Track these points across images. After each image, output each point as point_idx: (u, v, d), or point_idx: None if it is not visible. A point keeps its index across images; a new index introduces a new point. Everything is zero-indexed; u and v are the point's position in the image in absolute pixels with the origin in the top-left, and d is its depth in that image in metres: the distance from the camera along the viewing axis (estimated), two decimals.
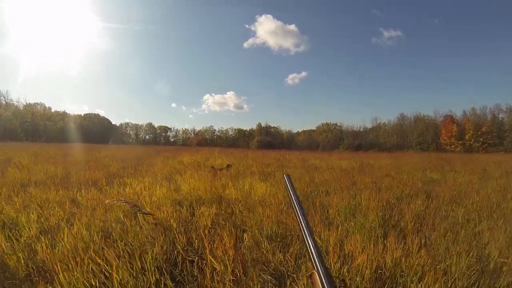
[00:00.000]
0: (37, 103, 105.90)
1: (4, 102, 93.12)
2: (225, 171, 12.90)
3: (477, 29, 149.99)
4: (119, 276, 3.19)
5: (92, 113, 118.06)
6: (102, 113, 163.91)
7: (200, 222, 5.12)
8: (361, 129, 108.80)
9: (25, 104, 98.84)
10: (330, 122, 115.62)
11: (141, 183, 9.03)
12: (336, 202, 6.68)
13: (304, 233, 1.14)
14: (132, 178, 10.44)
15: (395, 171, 14.59)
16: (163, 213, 5.43)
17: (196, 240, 4.30)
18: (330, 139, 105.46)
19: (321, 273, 0.98)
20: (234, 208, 6.26)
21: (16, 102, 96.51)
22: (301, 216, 1.21)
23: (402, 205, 6.67)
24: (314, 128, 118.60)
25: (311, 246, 1.07)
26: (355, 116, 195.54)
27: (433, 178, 12.28)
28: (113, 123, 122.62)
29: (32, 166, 13.02)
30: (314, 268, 1.02)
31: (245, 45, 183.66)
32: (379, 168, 17.02)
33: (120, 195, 7.38)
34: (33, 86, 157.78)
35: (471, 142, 79.17)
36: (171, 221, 5.01)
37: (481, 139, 78.18)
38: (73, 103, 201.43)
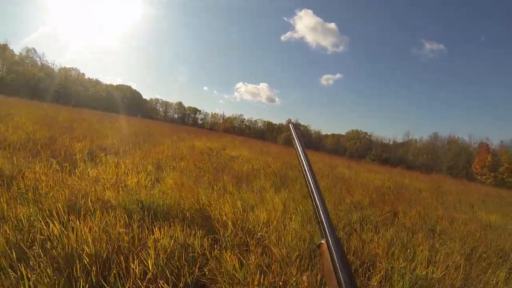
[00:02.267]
0: (72, 68, 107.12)
1: (39, 63, 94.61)
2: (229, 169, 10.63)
3: None
4: None
5: (124, 85, 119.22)
6: (134, 86, 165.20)
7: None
8: (391, 142, 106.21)
9: (60, 67, 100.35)
10: (360, 130, 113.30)
11: (114, 167, 7.21)
12: (380, 255, 4.22)
13: (313, 195, 1.00)
14: (115, 157, 8.93)
15: (438, 201, 11.96)
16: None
17: None
18: (358, 147, 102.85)
19: (330, 243, 0.85)
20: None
21: (52, 64, 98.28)
22: (310, 175, 1.08)
23: None
24: (343, 133, 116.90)
25: (321, 212, 0.93)
26: (386, 128, 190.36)
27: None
28: (144, 97, 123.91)
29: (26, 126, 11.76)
30: (323, 237, 0.89)
31: (283, 38, 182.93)
32: (417, 191, 14.42)
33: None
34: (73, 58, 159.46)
35: (504, 176, 73.54)
36: None
37: None
38: (108, 74, 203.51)
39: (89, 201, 4.49)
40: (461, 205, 12.09)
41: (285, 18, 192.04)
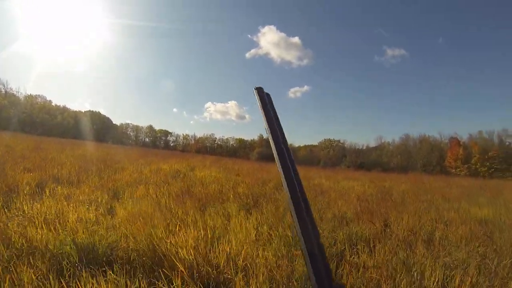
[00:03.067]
0: (38, 95, 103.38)
1: (3, 91, 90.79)
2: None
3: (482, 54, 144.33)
4: None
5: (92, 111, 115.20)
6: (103, 111, 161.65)
7: None
8: (364, 148, 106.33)
9: (25, 95, 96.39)
10: (333, 139, 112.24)
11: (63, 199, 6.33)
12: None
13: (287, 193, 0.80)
14: (69, 187, 8.20)
15: (427, 203, 11.27)
16: None
17: None
18: (332, 156, 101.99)
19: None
20: None
21: (16, 92, 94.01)
22: (281, 160, 0.93)
23: None
24: (315, 143, 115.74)
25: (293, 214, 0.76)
26: (358, 134, 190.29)
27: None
28: (114, 122, 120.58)
29: None
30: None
31: (247, 55, 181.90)
32: (401, 194, 13.70)
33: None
34: (38, 82, 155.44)
35: (477, 166, 75.88)
36: None
37: (488, 163, 74.79)
38: (74, 101, 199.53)
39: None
40: (449, 203, 11.48)
41: (249, 36, 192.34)
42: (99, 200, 6.83)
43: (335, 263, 4.07)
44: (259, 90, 1.19)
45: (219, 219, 5.82)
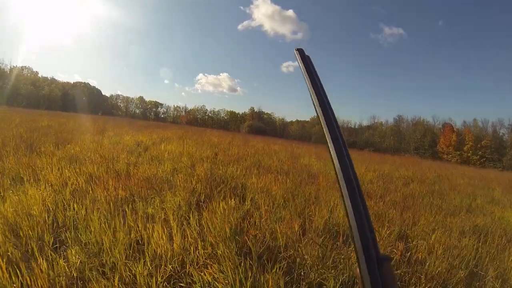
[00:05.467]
0: (24, 66, 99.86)
1: None
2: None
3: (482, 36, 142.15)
4: None
5: (82, 82, 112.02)
6: (93, 83, 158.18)
7: None
8: (357, 127, 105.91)
9: (10, 67, 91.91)
10: None
11: None
12: None
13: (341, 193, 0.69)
14: None
15: (438, 195, 8.99)
16: None
17: None
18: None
19: (361, 272, 0.61)
20: None
21: (1, 64, 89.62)
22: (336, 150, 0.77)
23: None
24: (307, 119, 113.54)
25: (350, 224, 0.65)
26: (351, 113, 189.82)
27: None
28: (104, 93, 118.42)
29: None
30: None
31: (240, 27, 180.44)
32: (402, 181, 11.51)
33: None
34: (27, 56, 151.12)
35: (469, 154, 75.66)
36: None
37: (480, 152, 74.81)
38: (64, 72, 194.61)
39: None
40: (464, 198, 9.29)
41: (241, 7, 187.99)
42: None
43: None
44: (301, 52, 1.00)
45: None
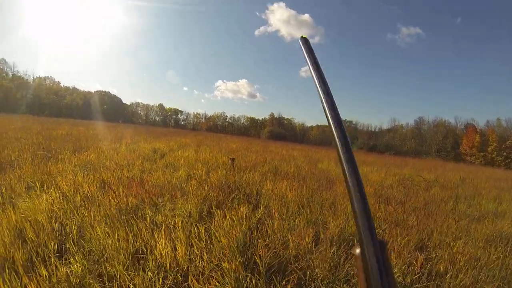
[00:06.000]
0: (47, 77, 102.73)
1: (10, 74, 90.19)
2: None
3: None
4: None
5: (103, 91, 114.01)
6: (114, 91, 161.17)
7: None
8: (377, 130, 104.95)
9: (33, 78, 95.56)
10: (344, 119, 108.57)
11: None
12: None
13: (344, 174, 0.73)
14: None
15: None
16: None
17: None
18: None
19: (365, 249, 0.63)
20: None
21: (24, 74, 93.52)
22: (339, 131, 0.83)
23: None
24: (327, 124, 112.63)
25: (354, 202, 0.66)
26: (371, 116, 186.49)
27: None
28: (124, 102, 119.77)
29: None
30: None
31: (257, 33, 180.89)
32: (423, 185, 11.07)
33: None
34: (48, 65, 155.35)
35: (493, 155, 72.86)
36: None
37: (505, 153, 71.72)
38: (85, 81, 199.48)
39: None
40: None
41: (257, 13, 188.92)
42: None
43: None
44: (306, 42, 1.03)
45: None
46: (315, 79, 0.93)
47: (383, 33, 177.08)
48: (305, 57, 1.01)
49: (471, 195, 9.83)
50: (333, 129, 0.83)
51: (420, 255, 3.93)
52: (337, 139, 0.80)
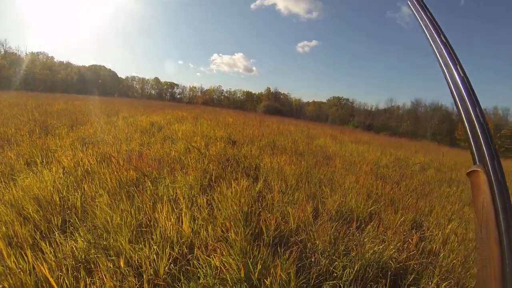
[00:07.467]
0: (40, 52, 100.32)
1: (2, 51, 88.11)
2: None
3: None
4: None
5: (97, 65, 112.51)
6: (109, 66, 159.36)
7: None
8: (373, 109, 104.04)
9: (26, 53, 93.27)
10: (342, 97, 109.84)
11: None
12: None
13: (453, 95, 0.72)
14: None
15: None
16: None
17: None
18: (340, 114, 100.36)
19: (490, 169, 0.59)
20: None
21: (16, 50, 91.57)
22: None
23: None
24: (324, 100, 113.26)
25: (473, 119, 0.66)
26: (368, 94, 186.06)
27: None
28: (120, 76, 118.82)
29: None
30: (476, 163, 0.63)
31: (253, 6, 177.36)
32: (418, 167, 11.36)
33: None
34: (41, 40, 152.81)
35: None
36: None
37: (499, 142, 71.13)
38: (79, 55, 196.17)
39: None
40: None
41: None
42: None
43: None
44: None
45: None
46: (433, 46, 0.79)
47: (381, 12, 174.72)
48: (417, 18, 0.87)
49: (463, 181, 9.99)
50: (459, 106, 0.73)
51: (415, 234, 4.07)
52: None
